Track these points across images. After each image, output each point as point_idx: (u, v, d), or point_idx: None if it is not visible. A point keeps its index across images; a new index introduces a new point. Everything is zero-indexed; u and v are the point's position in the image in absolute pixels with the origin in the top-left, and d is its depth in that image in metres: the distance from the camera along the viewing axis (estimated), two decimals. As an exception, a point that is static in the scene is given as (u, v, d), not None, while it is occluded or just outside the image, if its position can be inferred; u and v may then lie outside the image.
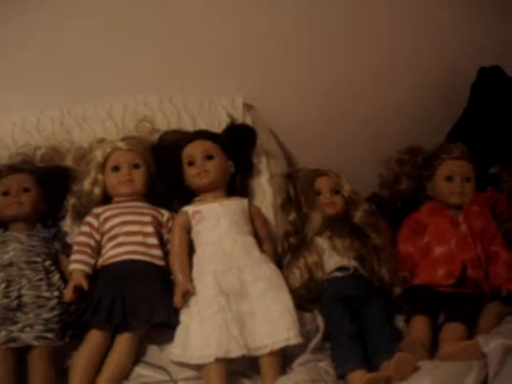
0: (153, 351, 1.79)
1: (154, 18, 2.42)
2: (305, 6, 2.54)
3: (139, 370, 1.75)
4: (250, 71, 2.54)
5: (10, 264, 1.83)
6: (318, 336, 1.84)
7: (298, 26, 2.56)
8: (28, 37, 2.35)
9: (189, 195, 2.04)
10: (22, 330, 1.71)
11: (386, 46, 2.63)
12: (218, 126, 2.27)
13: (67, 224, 2.06)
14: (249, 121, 2.34)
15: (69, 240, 2.00)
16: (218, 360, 1.66)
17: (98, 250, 1.92)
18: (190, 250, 1.94)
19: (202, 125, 2.29)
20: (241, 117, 2.34)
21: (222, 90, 2.46)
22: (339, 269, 1.98)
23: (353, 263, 1.99)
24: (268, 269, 1.86)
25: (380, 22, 2.62)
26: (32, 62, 2.37)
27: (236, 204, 1.98)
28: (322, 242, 2.03)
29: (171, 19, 2.43)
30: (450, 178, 2.15)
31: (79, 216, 2.02)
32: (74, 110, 2.33)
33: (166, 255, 1.93)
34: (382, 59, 2.63)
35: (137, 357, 1.77)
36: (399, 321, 1.98)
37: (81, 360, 1.71)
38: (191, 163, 2.02)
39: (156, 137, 2.17)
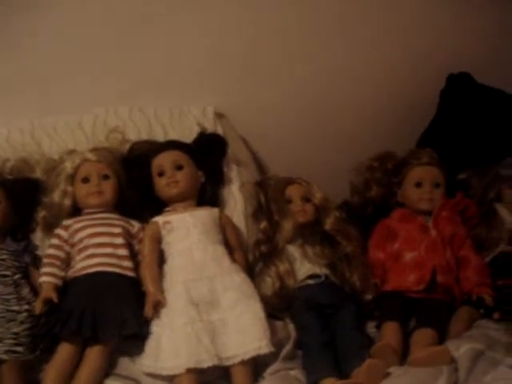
0: (124, 363, 1.78)
1: (125, 29, 2.42)
2: (276, 13, 2.55)
3: (110, 382, 1.74)
4: (221, 80, 2.54)
5: (-22, 280, 1.82)
6: (289, 344, 1.84)
7: (268, 33, 2.56)
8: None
9: (159, 206, 2.04)
10: (-9, 345, 1.70)
11: (356, 54, 2.64)
12: (189, 135, 2.27)
13: (38, 236, 2.05)
14: (220, 129, 2.34)
15: (40, 252, 1.99)
16: (189, 370, 1.66)
17: (68, 262, 1.91)
18: (161, 260, 1.94)
19: (173, 134, 2.29)
20: (212, 125, 2.34)
21: (192, 100, 2.47)
22: (311, 276, 1.98)
23: (324, 271, 2.00)
24: (239, 278, 1.87)
25: (344, 34, 2.64)
26: (2, 72, 2.36)
27: (206, 213, 1.99)
28: (293, 249, 2.04)
29: (142, 30, 2.43)
30: (419, 184, 2.17)
31: (50, 228, 2.02)
32: (44, 122, 2.33)
33: (137, 266, 1.92)
34: (349, 66, 2.65)
35: (108, 369, 1.76)
36: (371, 327, 1.99)
37: (51, 373, 1.70)
38: (161, 174, 2.03)
39: (127, 147, 2.17)
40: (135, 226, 2.00)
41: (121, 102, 2.41)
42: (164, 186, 2.01)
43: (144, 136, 2.27)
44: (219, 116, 2.44)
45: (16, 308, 1.79)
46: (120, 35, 2.41)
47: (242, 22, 2.50)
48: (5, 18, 2.32)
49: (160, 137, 2.28)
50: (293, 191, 2.13)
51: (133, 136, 2.25)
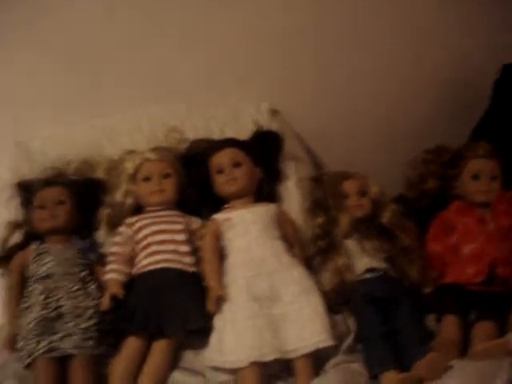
0: (188, 356, 1.83)
1: (180, 28, 2.47)
2: (329, 9, 2.56)
3: (176, 375, 1.78)
4: (275, 76, 2.57)
5: (48, 276, 1.89)
6: (350, 338, 1.86)
7: (322, 30, 2.58)
8: (55, 51, 2.42)
9: (218, 203, 2.08)
10: (61, 340, 1.76)
11: (408, 51, 2.64)
12: (245, 132, 2.30)
13: (101, 235, 2.12)
14: (275, 126, 2.36)
15: (103, 250, 2.06)
16: (252, 364, 1.70)
17: (131, 260, 1.97)
18: (222, 256, 1.98)
19: (230, 132, 2.33)
20: (267, 122, 2.37)
21: (247, 97, 2.50)
22: (369, 270, 2.00)
23: (383, 264, 2.01)
24: (298, 273, 1.89)
25: (397, 20, 2.63)
26: (60, 77, 2.43)
27: (265, 210, 2.02)
28: (350, 244, 2.05)
29: (197, 28, 2.48)
30: (476, 177, 2.16)
31: (112, 226, 2.08)
32: (102, 123, 2.39)
33: (198, 262, 1.97)
34: (401, 63, 2.65)
35: (173, 363, 1.81)
36: (430, 320, 1.98)
37: (119, 367, 1.76)
38: (220, 171, 2.07)
39: (185, 146, 2.22)
40: (196, 222, 2.04)
41: (177, 101, 2.46)
42: (223, 183, 2.05)
43: (201, 134, 2.31)
44: (274, 112, 2.46)
45: (84, 304, 1.85)
46: (179, 33, 2.46)
47: (298, 19, 2.53)
48: (60, 19, 2.38)
49: (216, 135, 2.33)
50: (349, 186, 2.14)
51: (190, 134, 2.30)
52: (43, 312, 1.80)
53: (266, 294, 1.82)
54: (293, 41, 2.57)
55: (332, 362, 1.80)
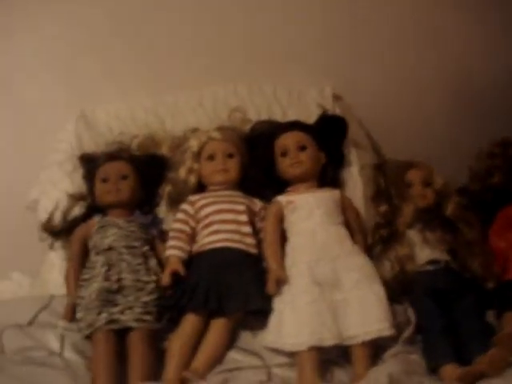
0: (246, 337, 1.82)
1: (243, 7, 2.46)
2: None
3: (233, 354, 1.78)
4: (338, 61, 2.55)
5: (110, 248, 1.91)
6: (410, 328, 1.83)
7: (385, 17, 2.55)
8: (123, 27, 2.43)
9: (280, 185, 2.07)
10: (122, 313, 1.78)
11: (476, 38, 2.59)
12: (308, 116, 2.28)
13: (162, 211, 2.12)
14: (338, 111, 2.34)
15: (164, 227, 2.06)
16: (311, 348, 1.69)
17: (193, 237, 1.97)
18: (282, 239, 1.97)
19: (292, 115, 2.31)
20: (330, 107, 2.34)
21: (310, 80, 2.48)
22: (431, 262, 1.97)
23: (444, 256, 1.98)
24: (361, 260, 1.88)
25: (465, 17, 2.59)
26: (124, 52, 2.45)
27: (328, 195, 2.00)
28: (413, 234, 2.03)
29: (260, 8, 2.47)
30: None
31: (174, 203, 2.08)
32: (165, 99, 2.40)
33: (259, 244, 1.96)
34: (467, 49, 2.61)
35: (230, 342, 1.81)
36: (489, 316, 1.95)
37: (177, 343, 1.76)
38: (284, 154, 2.05)
39: (248, 127, 2.21)
40: (258, 204, 2.03)
41: (240, 80, 2.46)
42: (287, 166, 2.03)
43: (263, 116, 2.31)
44: (337, 98, 2.44)
45: (145, 278, 1.86)
46: (242, 14, 2.46)
47: (364, 4, 2.49)
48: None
49: (279, 117, 2.31)
50: (413, 175, 2.11)
51: (253, 115, 2.29)
52: (105, 284, 1.81)
53: (328, 278, 1.80)
54: (357, 27, 2.54)
55: (391, 351, 1.78)
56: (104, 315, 1.76)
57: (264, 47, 2.51)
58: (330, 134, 2.14)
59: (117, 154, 2.12)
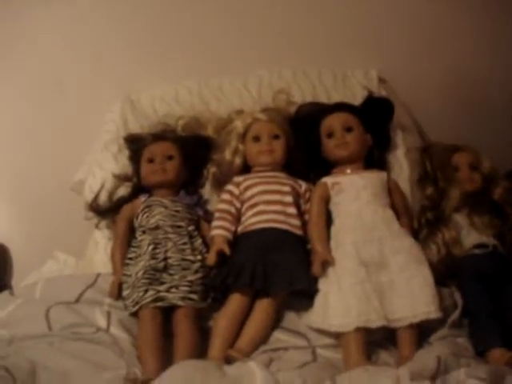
0: (291, 317, 1.82)
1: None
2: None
3: (278, 334, 1.78)
4: (384, 45, 2.53)
5: (157, 227, 1.92)
6: (457, 312, 1.81)
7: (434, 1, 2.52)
8: (165, 11, 2.43)
9: (326, 167, 2.06)
10: (168, 291, 1.79)
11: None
12: (352, 98, 2.28)
13: (207, 191, 2.13)
14: (383, 94, 2.33)
15: (209, 207, 2.07)
16: (357, 329, 1.68)
17: (238, 218, 1.97)
18: (327, 220, 1.96)
19: (337, 97, 2.31)
20: (375, 90, 2.33)
21: (354, 63, 2.48)
22: (478, 246, 1.95)
23: (492, 241, 1.95)
24: (408, 242, 1.86)
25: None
26: (169, 36, 2.46)
27: (375, 176, 1.99)
28: (459, 218, 2.01)
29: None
30: None
31: (219, 184, 2.09)
32: (210, 82, 2.42)
33: (304, 225, 1.95)
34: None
35: (275, 322, 1.81)
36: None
37: (222, 322, 1.77)
38: (330, 135, 2.04)
39: (293, 109, 2.20)
40: (303, 185, 2.02)
41: (284, 64, 2.45)
42: (333, 147, 2.02)
43: (308, 98, 2.30)
44: (382, 80, 2.42)
45: (191, 258, 1.87)
46: (283, 2, 2.46)
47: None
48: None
49: (323, 99, 2.30)
50: (460, 159, 2.09)
51: (297, 98, 2.29)
52: (152, 262, 1.82)
53: (375, 260, 1.79)
54: (404, 12, 2.52)
55: (437, 334, 1.77)
56: (150, 293, 1.77)
57: (308, 31, 2.50)
58: (376, 116, 2.12)
59: (162, 134, 2.13)
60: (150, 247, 1.86)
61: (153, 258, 1.84)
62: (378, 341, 1.76)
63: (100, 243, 2.12)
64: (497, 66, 2.58)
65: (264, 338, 1.77)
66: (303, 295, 1.83)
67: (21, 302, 1.84)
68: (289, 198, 1.95)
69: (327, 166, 2.06)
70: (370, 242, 1.82)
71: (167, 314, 1.79)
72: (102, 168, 2.20)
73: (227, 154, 2.07)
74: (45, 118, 2.51)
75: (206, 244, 1.95)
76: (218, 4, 2.46)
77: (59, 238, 2.38)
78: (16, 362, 1.57)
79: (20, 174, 2.52)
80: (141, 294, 1.77)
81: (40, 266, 2.18)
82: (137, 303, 1.77)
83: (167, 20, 2.45)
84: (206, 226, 1.99)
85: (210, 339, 1.76)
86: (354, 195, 1.92)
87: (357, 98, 2.27)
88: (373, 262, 1.79)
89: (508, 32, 2.55)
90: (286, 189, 1.97)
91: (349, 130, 2.03)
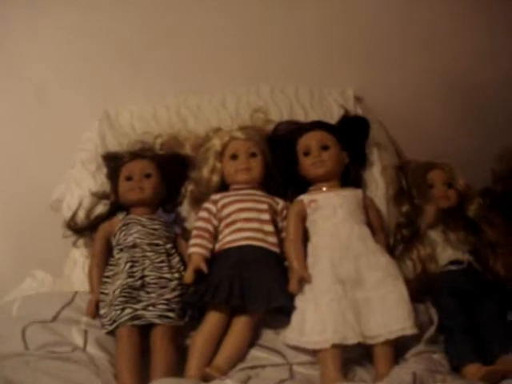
0: (268, 335, 1.83)
1: (264, 10, 2.48)
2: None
3: (255, 352, 1.79)
4: (359, 63, 2.56)
5: (134, 245, 1.92)
6: (433, 328, 1.83)
7: (405, 17, 2.56)
8: (144, 29, 2.45)
9: (303, 185, 2.07)
10: (145, 309, 1.79)
11: (500, 34, 2.59)
12: (329, 117, 2.30)
13: (184, 209, 2.14)
14: (359, 112, 2.35)
15: (186, 225, 2.08)
16: (334, 346, 1.69)
17: (215, 235, 1.98)
18: (304, 238, 1.97)
19: (314, 115, 2.33)
20: (351, 108, 2.36)
21: (331, 82, 2.50)
22: (453, 262, 1.97)
23: (467, 257, 1.97)
24: (384, 259, 1.87)
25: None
26: (148, 53, 2.47)
27: (351, 194, 2.01)
28: (435, 234, 2.03)
29: (282, 10, 2.49)
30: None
31: (196, 202, 2.10)
32: (188, 100, 2.42)
33: (281, 243, 1.96)
34: (491, 47, 2.61)
35: (252, 340, 1.81)
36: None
37: (200, 340, 1.77)
38: (307, 153, 2.06)
39: (270, 127, 2.22)
40: (280, 203, 2.03)
41: (262, 82, 2.47)
42: (310, 165, 2.04)
43: (285, 116, 2.32)
44: (358, 99, 2.45)
45: (168, 276, 1.87)
46: (266, 16, 2.48)
47: (383, 7, 2.51)
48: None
49: (301, 117, 2.32)
50: (435, 176, 2.12)
51: (275, 116, 2.30)
52: (129, 280, 1.82)
53: (352, 277, 1.80)
54: (378, 28, 2.55)
55: (413, 350, 1.78)
56: (128, 311, 1.77)
57: (285, 49, 2.52)
58: (352, 134, 2.15)
59: (141, 152, 2.14)
60: (128, 265, 1.86)
61: (130, 276, 1.84)
62: (354, 358, 1.77)
63: (78, 261, 2.11)
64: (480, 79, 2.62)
65: (241, 356, 1.77)
66: (279, 312, 1.84)
67: (-3, 321, 1.83)
68: (266, 216, 1.97)
69: (304, 184, 2.07)
70: (347, 259, 1.83)
71: (144, 331, 1.79)
72: (80, 186, 2.20)
73: (205, 172, 2.08)
74: (23, 133, 2.50)
75: (184, 262, 1.95)
76: (196, 22, 2.47)
77: (37, 256, 2.37)
78: (-8, 382, 1.57)
79: (-2, 191, 2.51)
80: (118, 312, 1.77)
81: (18, 285, 2.16)
82: (114, 321, 1.77)
83: (146, 38, 2.46)
84: (183, 244, 1.99)
85: (187, 357, 1.76)
86: (330, 213, 1.94)
87: (333, 116, 2.29)
88: (349, 279, 1.80)
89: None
90: (264, 206, 1.98)
91: (325, 148, 2.05)
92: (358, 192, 2.04)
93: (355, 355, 1.77)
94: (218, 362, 1.73)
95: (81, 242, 2.10)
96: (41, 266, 2.25)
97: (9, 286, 2.16)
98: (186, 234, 2.02)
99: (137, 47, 2.47)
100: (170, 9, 2.45)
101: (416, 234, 2.03)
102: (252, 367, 1.73)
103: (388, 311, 1.76)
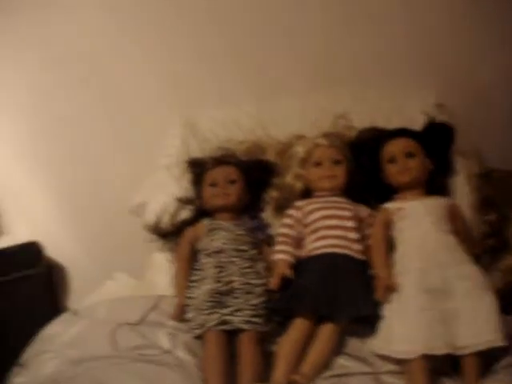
0: (354, 343, 1.83)
1: (347, 17, 2.51)
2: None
3: (341, 360, 1.78)
4: (441, 70, 2.54)
5: (221, 251, 1.95)
6: (523, 340, 1.79)
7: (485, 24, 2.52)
8: (226, 35, 2.49)
9: (386, 192, 2.07)
10: (232, 314, 1.81)
11: None
12: (411, 124, 2.26)
13: (267, 216, 2.16)
14: (443, 119, 2.32)
15: (270, 231, 2.09)
16: (422, 356, 1.67)
17: (299, 242, 1.99)
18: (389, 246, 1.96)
19: (396, 123, 2.29)
20: (434, 114, 2.31)
21: (413, 88, 2.47)
22: (543, 273, 1.94)
23: (557, 267, 1.94)
24: (472, 268, 1.84)
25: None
26: (229, 59, 2.51)
27: (437, 203, 1.99)
28: (524, 244, 2.00)
29: (363, 17, 2.49)
30: None
31: (279, 209, 2.12)
32: (269, 107, 2.44)
33: (365, 250, 1.96)
34: None
35: (338, 348, 1.81)
36: None
37: (286, 346, 1.78)
38: (392, 160, 2.05)
39: (352, 134, 2.22)
40: (365, 210, 2.03)
41: (341, 90, 2.47)
42: (395, 173, 2.03)
43: (367, 123, 2.30)
44: (440, 106, 2.42)
45: (254, 281, 1.89)
46: (345, 23, 2.49)
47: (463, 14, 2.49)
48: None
49: (382, 124, 2.30)
50: (523, 184, 2.08)
51: (356, 123, 2.29)
52: (216, 285, 1.85)
53: (439, 286, 1.78)
54: (458, 36, 2.53)
55: (502, 363, 1.74)
56: (216, 316, 1.80)
57: (366, 55, 2.52)
58: (437, 141, 2.12)
59: (225, 158, 2.17)
60: (215, 270, 1.88)
61: (218, 281, 1.86)
62: (441, 368, 1.75)
63: (161, 265, 2.15)
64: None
65: (327, 364, 1.77)
66: (363, 321, 1.84)
67: (86, 323, 1.88)
68: (350, 223, 1.97)
69: (387, 192, 2.06)
70: (433, 269, 1.81)
71: (230, 336, 1.81)
72: (164, 191, 2.24)
73: (289, 179, 2.10)
74: (104, 140, 2.56)
75: (269, 268, 1.96)
76: (277, 28, 2.49)
77: (118, 259, 2.41)
78: (84, 383, 1.61)
79: (81, 195, 2.57)
80: (206, 316, 1.80)
81: (98, 287, 2.21)
82: (202, 326, 1.80)
83: (227, 44, 2.49)
84: (268, 250, 2.01)
85: (273, 363, 1.76)
86: (416, 221, 1.92)
87: (415, 123, 2.26)
88: (437, 289, 1.78)
89: None
90: (348, 214, 1.98)
91: (410, 155, 2.03)
92: (445, 200, 2.02)
93: (442, 365, 1.74)
94: (305, 370, 1.73)
95: (165, 246, 2.13)
96: (122, 268, 2.31)
97: (89, 288, 2.21)
98: (270, 241, 2.03)
99: (219, 52, 2.50)
100: (249, 13, 2.48)
101: (503, 243, 2.00)
102: (339, 375, 1.73)
103: (477, 322, 1.73)
